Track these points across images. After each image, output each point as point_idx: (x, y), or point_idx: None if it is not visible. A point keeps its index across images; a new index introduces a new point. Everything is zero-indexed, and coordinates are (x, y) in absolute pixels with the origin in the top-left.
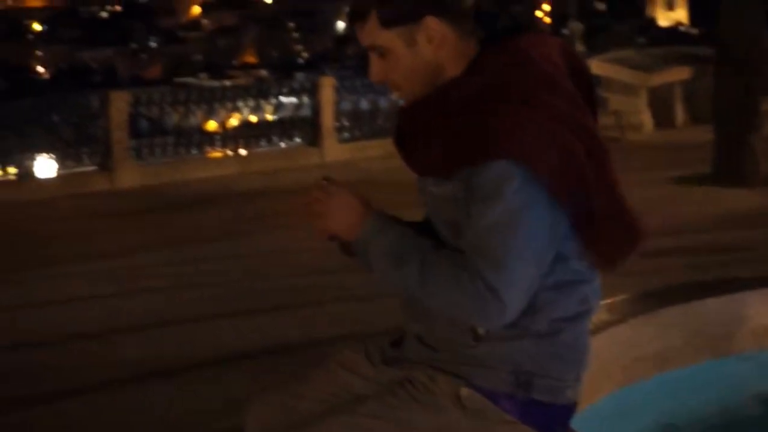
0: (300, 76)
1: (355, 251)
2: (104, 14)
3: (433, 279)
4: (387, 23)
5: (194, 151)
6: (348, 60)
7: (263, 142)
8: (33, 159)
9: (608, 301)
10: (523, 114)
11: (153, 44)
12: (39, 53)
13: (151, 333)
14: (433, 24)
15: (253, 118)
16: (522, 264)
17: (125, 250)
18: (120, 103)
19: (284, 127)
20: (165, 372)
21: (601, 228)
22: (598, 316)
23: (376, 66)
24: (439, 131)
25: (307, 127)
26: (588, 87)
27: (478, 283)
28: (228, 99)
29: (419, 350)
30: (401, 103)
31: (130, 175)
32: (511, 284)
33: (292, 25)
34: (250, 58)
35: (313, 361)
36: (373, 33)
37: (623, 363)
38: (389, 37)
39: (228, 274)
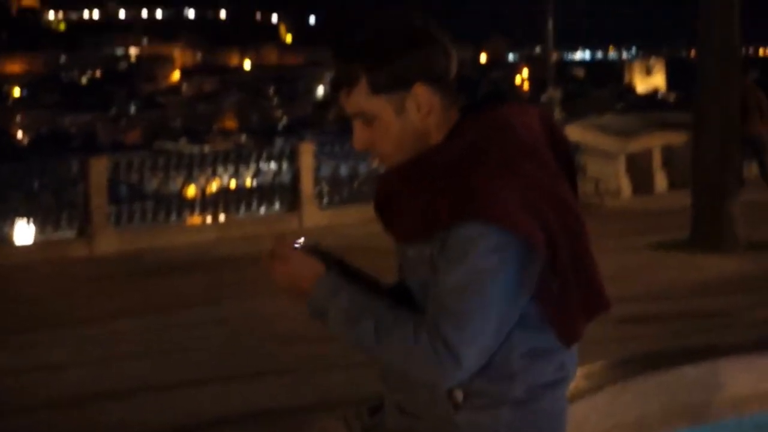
0: (279, 141)
1: (312, 309)
2: (85, 80)
3: (391, 336)
4: (377, 89)
5: (173, 217)
6: (328, 125)
7: (242, 208)
8: (12, 224)
9: (586, 368)
10: (504, 179)
11: (133, 109)
12: (19, 118)
13: (134, 399)
14: (422, 91)
15: (233, 184)
16: (483, 326)
17: (106, 315)
18: (99, 169)
19: (264, 192)
20: None
21: (563, 301)
22: (576, 383)
23: (361, 133)
24: (419, 196)
25: (287, 193)
26: (567, 158)
27: (437, 340)
28: (207, 164)
29: (399, 419)
30: (381, 170)
31: (108, 241)
32: (469, 344)
33: (271, 90)
34: (230, 124)
35: (294, 428)
36: (361, 99)
37: (601, 430)
38: (378, 104)
39: (209, 340)
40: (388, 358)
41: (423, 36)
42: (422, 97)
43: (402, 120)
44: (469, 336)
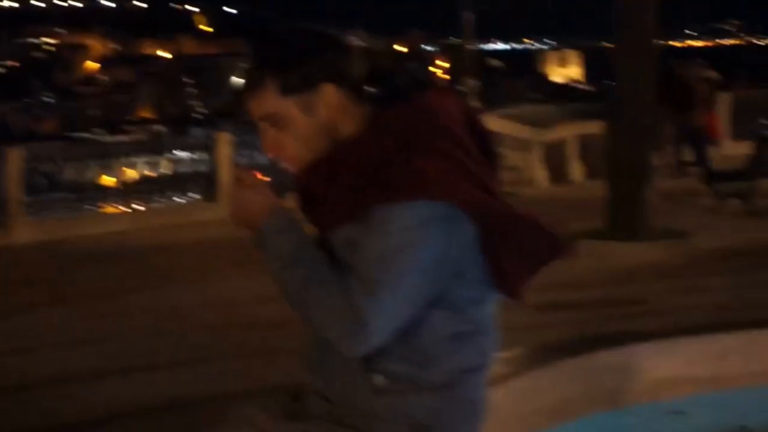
0: (197, 131)
1: (256, 241)
2: (0, 69)
3: (315, 291)
4: (286, 90)
5: (91, 207)
6: (245, 115)
7: (160, 198)
8: None
9: (505, 354)
10: (426, 161)
11: (49, 99)
12: None
13: (50, 390)
14: (330, 91)
15: (150, 174)
16: (394, 297)
17: (22, 306)
18: (15, 159)
19: (181, 182)
20: (63, 428)
21: (499, 256)
22: (497, 367)
23: (270, 137)
24: (341, 187)
25: (205, 182)
26: (488, 145)
27: (350, 306)
28: (124, 154)
29: (319, 405)
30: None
31: (25, 232)
32: (378, 314)
33: (188, 80)
34: (147, 114)
35: (213, 417)
36: (269, 101)
37: (520, 415)
38: (287, 105)
39: (129, 330)
40: (306, 311)
41: (330, 40)
42: (331, 96)
43: (311, 120)
44: (379, 306)
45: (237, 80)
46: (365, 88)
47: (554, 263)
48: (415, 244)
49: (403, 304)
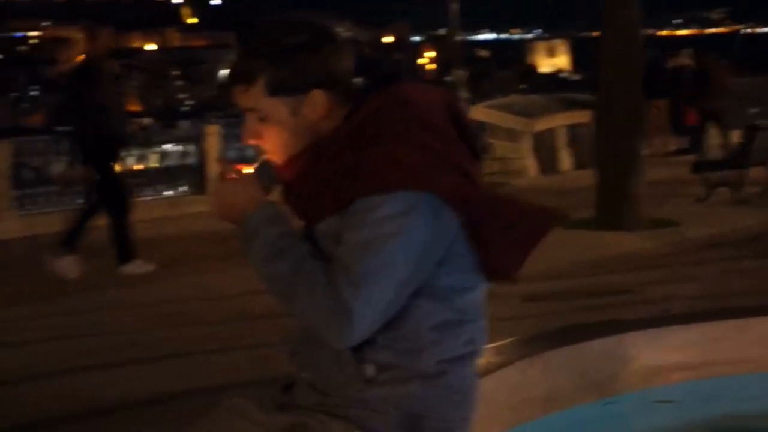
0: (185, 124)
1: (241, 234)
2: None
3: (300, 283)
4: (275, 91)
5: (79, 200)
6: (232, 108)
7: (149, 191)
8: None
9: (496, 343)
10: (397, 149)
11: (34, 93)
12: None
13: (34, 384)
14: (319, 97)
15: (138, 167)
16: (379, 287)
17: (6, 300)
18: (2, 153)
19: (170, 175)
20: (48, 423)
21: (489, 241)
22: (487, 358)
23: (253, 128)
24: (321, 178)
25: (194, 175)
26: (471, 136)
27: (336, 297)
28: None
29: (310, 395)
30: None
31: (12, 225)
32: (364, 304)
33: (175, 73)
34: (134, 107)
35: (197, 411)
36: (257, 98)
37: (511, 404)
38: (274, 104)
39: (110, 324)
40: (292, 303)
41: (324, 38)
42: (319, 102)
43: (296, 121)
44: (364, 297)
45: (225, 73)
46: (352, 83)
47: (546, 238)
48: (397, 234)
49: (388, 294)
